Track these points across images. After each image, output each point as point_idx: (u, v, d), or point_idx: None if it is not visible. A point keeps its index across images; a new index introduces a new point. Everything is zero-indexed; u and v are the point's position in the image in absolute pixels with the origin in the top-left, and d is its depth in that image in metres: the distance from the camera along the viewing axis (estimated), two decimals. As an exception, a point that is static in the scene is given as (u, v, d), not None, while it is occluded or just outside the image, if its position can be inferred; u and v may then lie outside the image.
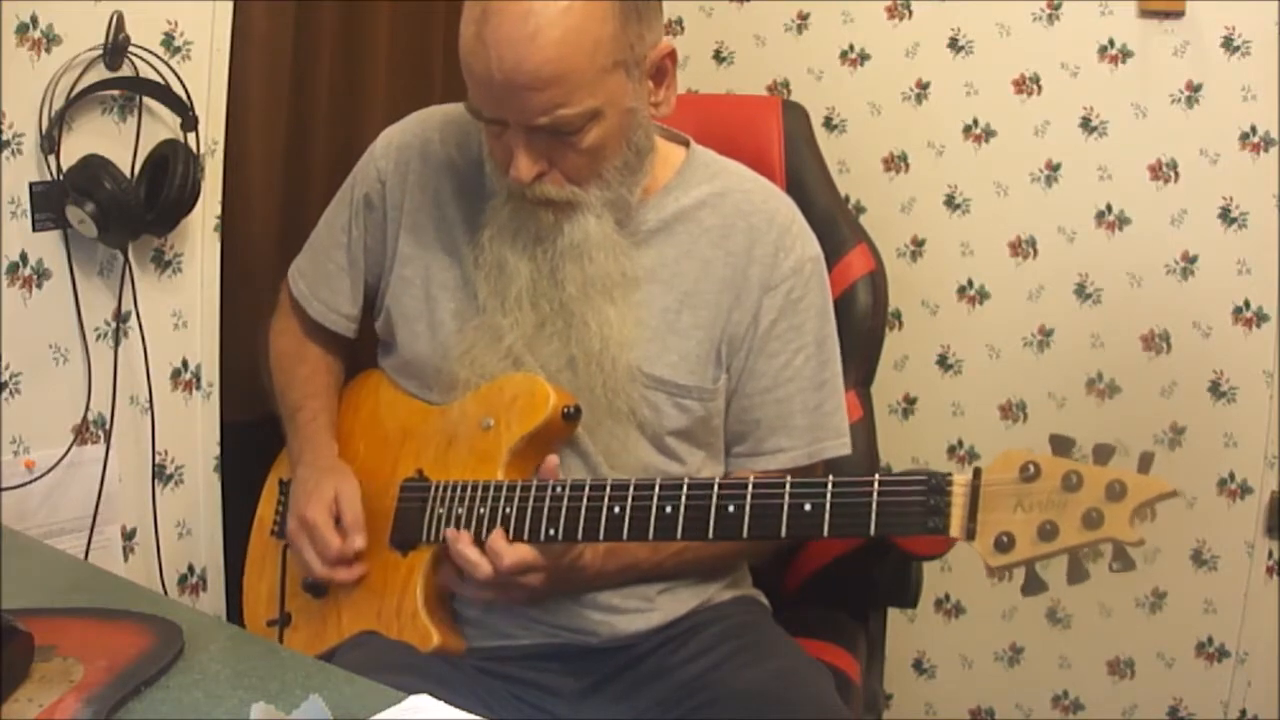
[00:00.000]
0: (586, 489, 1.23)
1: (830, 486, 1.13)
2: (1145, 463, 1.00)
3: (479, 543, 1.27)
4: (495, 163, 1.32)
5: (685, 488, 1.19)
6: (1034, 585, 1.03)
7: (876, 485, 1.10)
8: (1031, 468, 1.03)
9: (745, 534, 1.16)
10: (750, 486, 1.16)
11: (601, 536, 1.22)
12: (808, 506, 1.13)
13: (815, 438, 1.40)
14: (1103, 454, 1.02)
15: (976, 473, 1.06)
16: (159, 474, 1.69)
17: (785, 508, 1.14)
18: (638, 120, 1.30)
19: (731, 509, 1.16)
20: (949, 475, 1.07)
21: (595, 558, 1.30)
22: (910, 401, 2.31)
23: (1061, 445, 1.03)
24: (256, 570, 1.54)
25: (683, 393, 1.36)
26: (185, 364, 1.72)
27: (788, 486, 1.14)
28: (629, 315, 1.33)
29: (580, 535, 1.22)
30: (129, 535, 1.67)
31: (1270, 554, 2.10)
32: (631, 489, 1.21)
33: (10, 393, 1.51)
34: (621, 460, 1.34)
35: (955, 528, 1.06)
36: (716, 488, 1.18)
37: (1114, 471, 1.00)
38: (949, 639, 2.35)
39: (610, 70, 1.23)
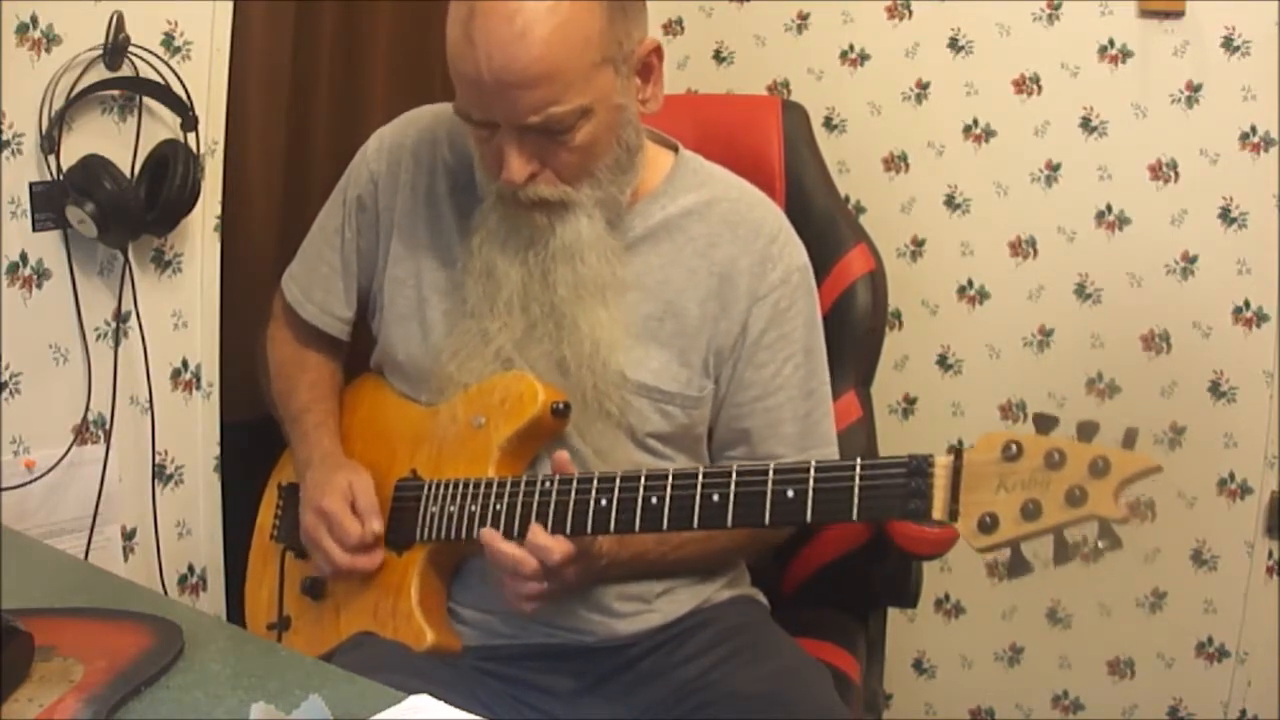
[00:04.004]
0: (574, 483, 1.23)
1: (812, 472, 1.13)
2: (1130, 439, 0.99)
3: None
4: (485, 167, 1.32)
5: (670, 478, 1.19)
6: (1019, 566, 1.02)
7: (858, 469, 1.10)
8: (1014, 447, 1.01)
9: (730, 522, 1.16)
10: (734, 474, 1.17)
11: (589, 530, 1.22)
12: (790, 493, 1.13)
13: (804, 446, 1.40)
14: (1086, 431, 1.00)
15: (958, 453, 1.04)
16: (159, 474, 1.69)
17: (769, 495, 1.14)
18: (627, 117, 1.30)
19: (716, 498, 1.16)
20: (930, 457, 1.06)
21: (611, 546, 1.30)
22: (910, 401, 2.31)
23: (1044, 424, 1.01)
24: (257, 577, 1.54)
25: (666, 399, 1.36)
26: (185, 364, 1.72)
27: (771, 474, 1.15)
28: (619, 318, 1.33)
29: (569, 529, 1.22)
30: (129, 535, 1.67)
31: (1270, 554, 2.10)
32: (618, 481, 1.21)
33: (10, 393, 1.51)
34: (613, 459, 1.34)
35: (938, 509, 1.05)
36: (701, 477, 1.18)
37: (1097, 448, 0.99)
38: (949, 639, 2.35)
39: (599, 67, 1.23)
